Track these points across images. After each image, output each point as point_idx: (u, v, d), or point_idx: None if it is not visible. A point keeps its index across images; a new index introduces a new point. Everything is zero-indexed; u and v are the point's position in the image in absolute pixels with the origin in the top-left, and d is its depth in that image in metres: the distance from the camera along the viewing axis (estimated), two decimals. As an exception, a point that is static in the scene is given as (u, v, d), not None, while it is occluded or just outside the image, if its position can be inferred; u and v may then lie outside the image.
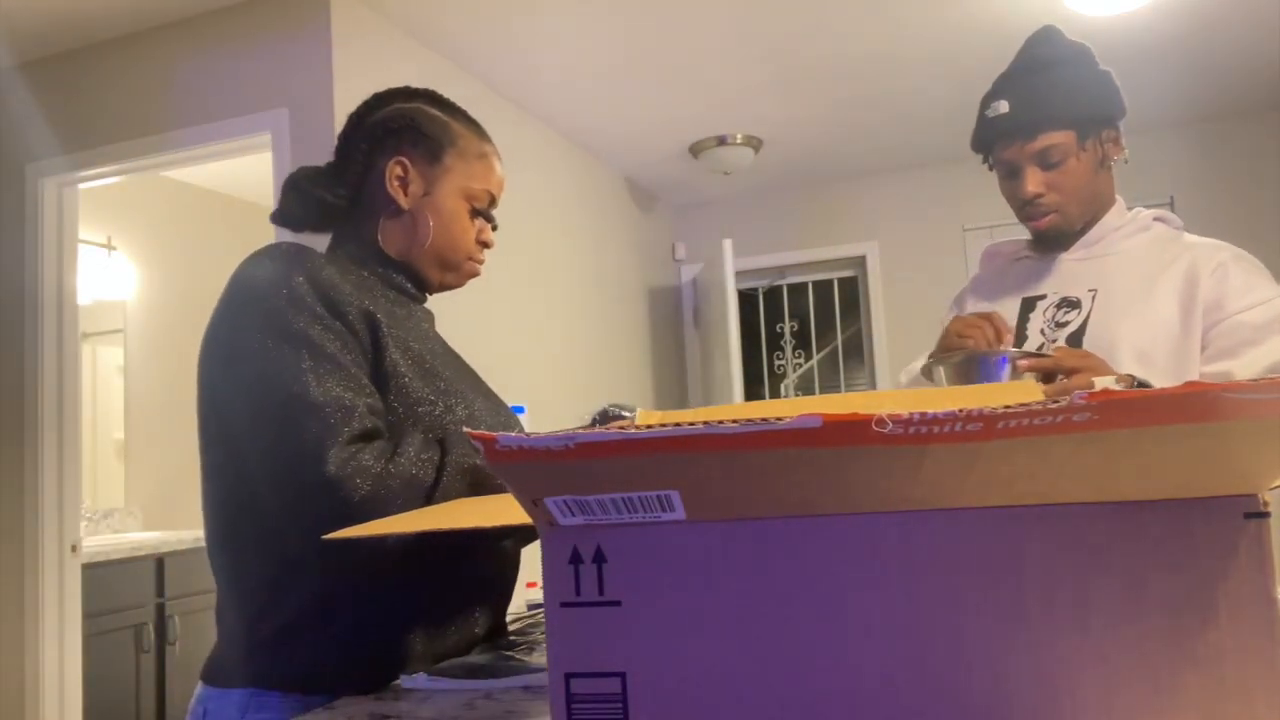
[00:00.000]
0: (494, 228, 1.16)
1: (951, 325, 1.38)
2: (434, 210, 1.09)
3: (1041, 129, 1.34)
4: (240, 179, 4.35)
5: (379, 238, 1.09)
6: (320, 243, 1.11)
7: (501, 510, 0.67)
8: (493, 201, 1.14)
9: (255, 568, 0.95)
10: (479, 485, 0.94)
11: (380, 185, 1.08)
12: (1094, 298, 1.38)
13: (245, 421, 0.91)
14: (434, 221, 1.09)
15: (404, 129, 1.09)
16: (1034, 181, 1.37)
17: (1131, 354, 1.31)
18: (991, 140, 1.41)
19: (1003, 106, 1.38)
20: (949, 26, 3.36)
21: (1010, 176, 1.41)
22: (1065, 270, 1.44)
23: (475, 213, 1.12)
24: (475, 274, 1.16)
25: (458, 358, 1.13)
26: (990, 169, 1.45)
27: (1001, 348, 1.33)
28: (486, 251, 1.16)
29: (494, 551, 1.05)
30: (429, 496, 0.90)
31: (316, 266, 0.96)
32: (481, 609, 1.05)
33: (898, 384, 1.59)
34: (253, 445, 0.91)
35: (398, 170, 1.08)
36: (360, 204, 1.10)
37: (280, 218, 1.12)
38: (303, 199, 1.10)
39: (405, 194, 1.08)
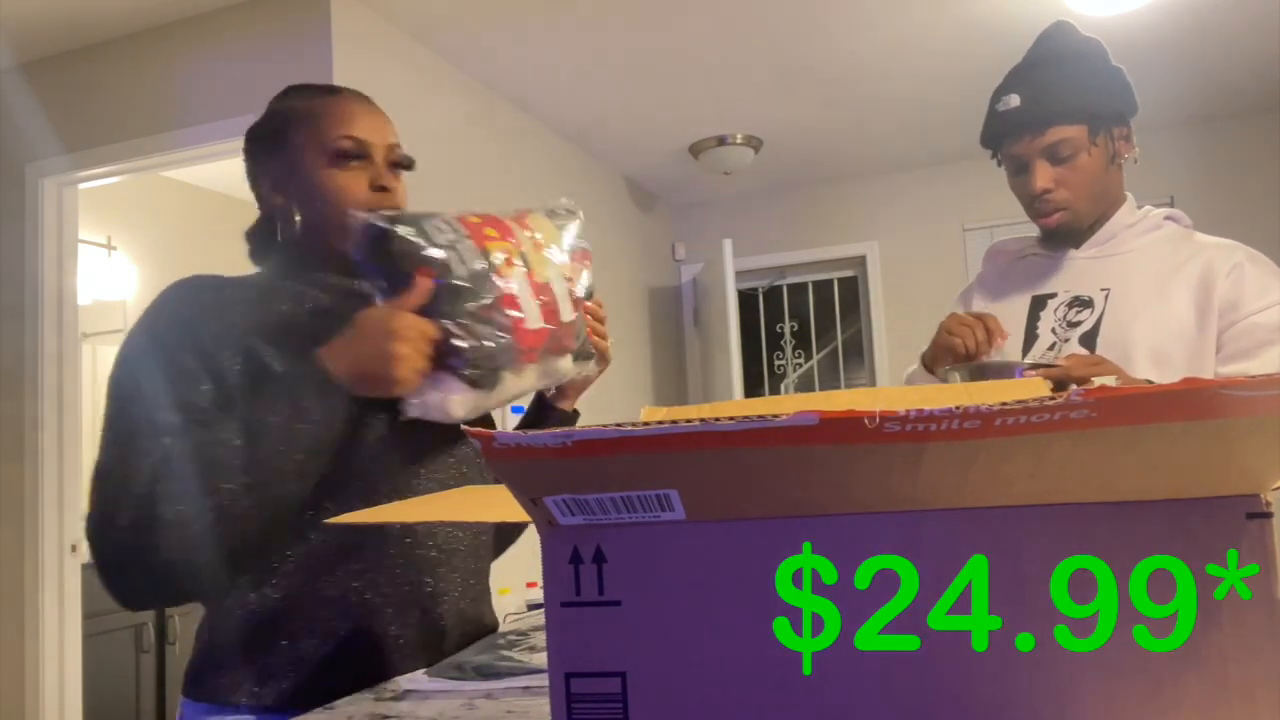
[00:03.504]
0: (407, 165, 1.08)
1: (945, 322, 1.37)
2: (303, 190, 1.05)
3: (1052, 123, 1.33)
4: (240, 179, 4.32)
5: (285, 244, 1.09)
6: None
7: (498, 503, 0.67)
8: (360, 144, 1.04)
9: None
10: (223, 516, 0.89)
11: (266, 201, 1.10)
12: (1107, 297, 1.35)
13: None
14: (306, 202, 1.05)
15: (252, 141, 1.11)
16: (1044, 177, 1.34)
17: (1147, 354, 1.29)
18: (1001, 135, 1.39)
19: (1013, 100, 1.35)
20: (949, 26, 3.36)
21: (1019, 172, 1.38)
22: (1076, 268, 1.41)
23: (347, 162, 1.03)
24: None
25: None
26: (999, 165, 1.43)
27: (1014, 360, 1.31)
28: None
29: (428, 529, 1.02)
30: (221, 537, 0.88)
31: (193, 306, 0.96)
32: (435, 582, 1.01)
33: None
34: None
35: (264, 180, 1.10)
36: (270, 221, 1.12)
37: (250, 255, 1.17)
38: (249, 233, 1.15)
39: (278, 194, 1.08)
